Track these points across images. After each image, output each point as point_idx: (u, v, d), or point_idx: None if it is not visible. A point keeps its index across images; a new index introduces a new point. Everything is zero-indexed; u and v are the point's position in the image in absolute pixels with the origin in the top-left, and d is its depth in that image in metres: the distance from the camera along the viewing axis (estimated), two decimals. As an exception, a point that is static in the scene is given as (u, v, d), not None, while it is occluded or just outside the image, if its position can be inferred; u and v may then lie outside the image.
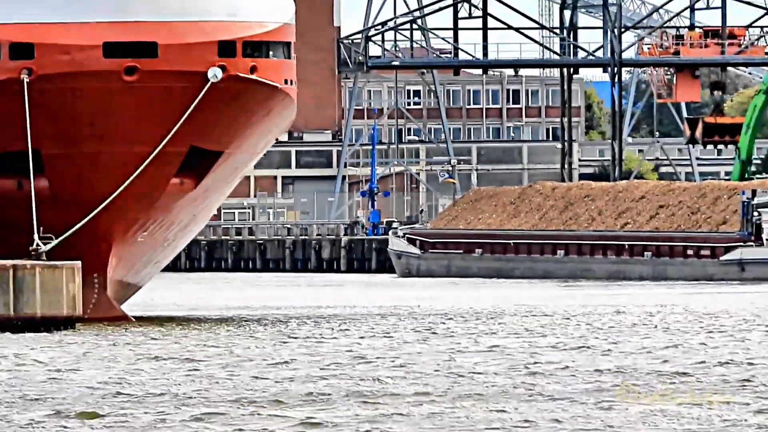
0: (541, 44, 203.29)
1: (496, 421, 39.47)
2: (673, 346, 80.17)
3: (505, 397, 50.42)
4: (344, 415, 43.51)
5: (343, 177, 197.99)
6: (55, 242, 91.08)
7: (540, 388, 53.32)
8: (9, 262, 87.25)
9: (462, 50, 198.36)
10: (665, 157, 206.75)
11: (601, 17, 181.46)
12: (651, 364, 69.87)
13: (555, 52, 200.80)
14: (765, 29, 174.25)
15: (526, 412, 44.78)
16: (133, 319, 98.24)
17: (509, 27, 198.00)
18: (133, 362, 69.58)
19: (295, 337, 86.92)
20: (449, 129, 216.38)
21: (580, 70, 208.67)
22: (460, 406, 46.56)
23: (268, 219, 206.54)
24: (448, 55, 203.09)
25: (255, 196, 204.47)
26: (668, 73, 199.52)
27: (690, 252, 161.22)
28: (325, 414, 43.69)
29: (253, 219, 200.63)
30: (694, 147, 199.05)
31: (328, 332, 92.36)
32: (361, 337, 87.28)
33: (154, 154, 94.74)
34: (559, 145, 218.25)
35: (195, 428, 41.39)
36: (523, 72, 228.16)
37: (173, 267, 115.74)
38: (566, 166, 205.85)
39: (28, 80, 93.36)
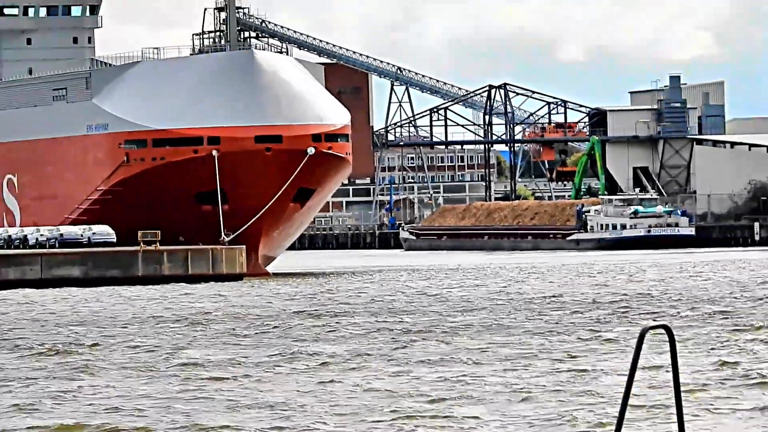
0: (474, 132, 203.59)
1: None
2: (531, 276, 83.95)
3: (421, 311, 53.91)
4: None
5: (376, 201, 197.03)
6: (231, 237, 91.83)
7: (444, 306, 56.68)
8: (209, 247, 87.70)
9: (434, 136, 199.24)
10: (538, 189, 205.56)
11: (504, 119, 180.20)
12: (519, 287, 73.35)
13: (480, 136, 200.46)
14: (585, 123, 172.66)
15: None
16: (272, 274, 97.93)
17: (458, 124, 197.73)
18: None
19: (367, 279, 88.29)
20: (429, 176, 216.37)
21: (495, 145, 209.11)
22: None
23: (339, 223, 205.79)
24: (428, 138, 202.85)
25: (331, 211, 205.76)
26: (538, 145, 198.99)
27: (551, 236, 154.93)
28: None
29: (331, 223, 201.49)
30: (552, 183, 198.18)
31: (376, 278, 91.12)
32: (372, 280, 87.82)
33: (280, 192, 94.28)
34: (484, 184, 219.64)
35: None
36: (465, 147, 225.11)
37: (291, 248, 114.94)
38: (488, 194, 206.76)
39: (217, 155, 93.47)
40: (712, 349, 37.00)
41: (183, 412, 28.22)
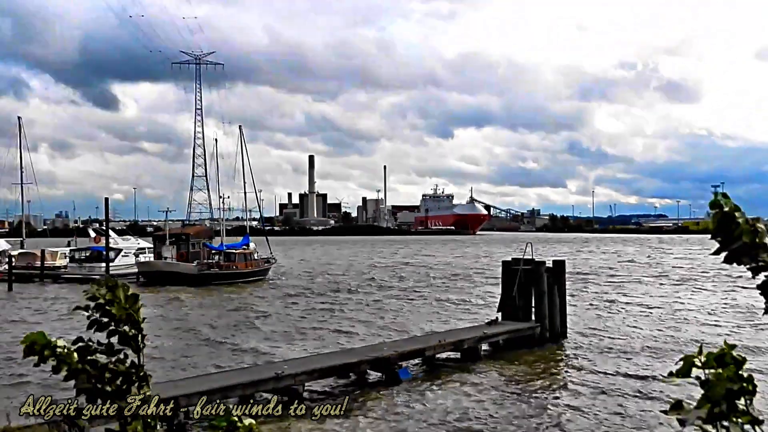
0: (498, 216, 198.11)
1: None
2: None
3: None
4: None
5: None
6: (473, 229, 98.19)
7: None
8: (464, 230, 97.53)
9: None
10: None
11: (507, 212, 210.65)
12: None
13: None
14: (487, 221, 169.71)
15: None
16: (477, 234, 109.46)
17: (499, 216, 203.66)
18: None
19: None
20: (491, 225, 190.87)
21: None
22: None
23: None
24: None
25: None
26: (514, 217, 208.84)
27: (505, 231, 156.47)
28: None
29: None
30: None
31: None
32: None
33: (464, 237, 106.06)
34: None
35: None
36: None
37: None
38: (493, 228, 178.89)
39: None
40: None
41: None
